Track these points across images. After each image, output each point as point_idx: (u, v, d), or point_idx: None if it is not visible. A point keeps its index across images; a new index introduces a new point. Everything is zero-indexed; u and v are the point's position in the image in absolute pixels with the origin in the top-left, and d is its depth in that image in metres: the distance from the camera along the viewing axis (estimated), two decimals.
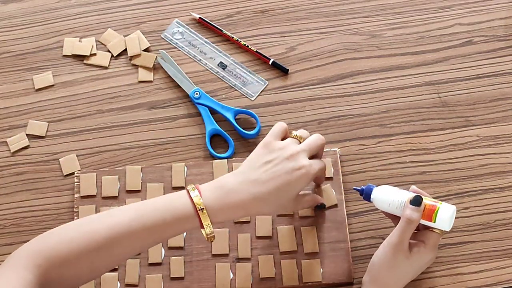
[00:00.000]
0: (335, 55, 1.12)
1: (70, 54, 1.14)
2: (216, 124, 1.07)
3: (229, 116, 1.07)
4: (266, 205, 0.88)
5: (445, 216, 0.90)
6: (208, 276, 0.99)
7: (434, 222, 0.90)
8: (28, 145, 1.08)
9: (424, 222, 0.91)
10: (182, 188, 1.03)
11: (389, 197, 0.93)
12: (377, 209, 1.00)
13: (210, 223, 0.86)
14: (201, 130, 1.08)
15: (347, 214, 1.01)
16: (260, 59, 1.12)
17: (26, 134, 1.09)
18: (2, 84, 1.12)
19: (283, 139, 0.93)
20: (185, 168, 1.05)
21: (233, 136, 1.06)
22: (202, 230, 0.87)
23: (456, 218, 1.00)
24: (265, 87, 1.10)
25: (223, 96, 1.10)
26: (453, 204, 0.98)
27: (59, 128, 1.09)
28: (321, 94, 1.09)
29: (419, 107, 1.08)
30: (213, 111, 1.08)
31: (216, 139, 1.07)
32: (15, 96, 1.11)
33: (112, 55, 1.13)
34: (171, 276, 0.99)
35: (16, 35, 1.16)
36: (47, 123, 1.09)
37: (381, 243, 0.99)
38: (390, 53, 1.11)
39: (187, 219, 0.86)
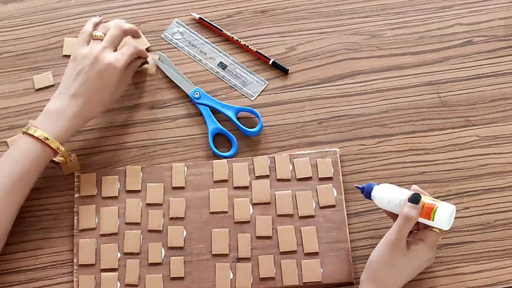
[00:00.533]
0: (335, 55, 1.12)
1: (70, 54, 1.13)
2: (218, 123, 1.07)
3: (231, 114, 1.07)
4: (95, 108, 1.00)
5: (444, 214, 0.89)
6: (208, 276, 0.99)
7: (433, 220, 0.90)
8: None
9: (422, 220, 0.91)
10: (182, 188, 1.03)
11: (388, 195, 0.93)
12: (377, 209, 1.01)
13: (59, 144, 0.97)
14: (201, 130, 1.08)
15: (347, 214, 1.01)
16: (260, 59, 1.12)
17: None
18: (2, 84, 1.12)
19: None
20: (185, 168, 1.05)
21: (236, 135, 1.06)
22: (57, 157, 0.99)
23: (456, 218, 1.00)
24: (265, 87, 1.10)
25: (223, 96, 1.10)
26: (453, 204, 0.98)
27: None
28: (321, 94, 1.09)
29: (419, 107, 1.08)
30: (214, 111, 1.08)
31: (219, 138, 1.07)
32: (15, 96, 1.11)
33: None
34: (171, 276, 0.99)
35: (16, 35, 1.16)
36: None
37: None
38: (390, 53, 1.11)
39: (41, 154, 0.97)
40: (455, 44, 1.11)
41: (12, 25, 1.16)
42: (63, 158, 1.01)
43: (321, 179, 1.03)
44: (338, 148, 1.05)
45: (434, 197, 1.01)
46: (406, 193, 0.92)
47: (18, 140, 0.99)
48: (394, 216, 0.94)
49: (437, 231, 0.91)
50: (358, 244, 1.00)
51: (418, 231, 0.93)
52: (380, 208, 0.97)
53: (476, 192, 1.02)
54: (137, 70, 1.09)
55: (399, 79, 1.10)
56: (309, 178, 1.03)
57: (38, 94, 1.11)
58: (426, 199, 0.91)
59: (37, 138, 0.96)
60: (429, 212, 0.90)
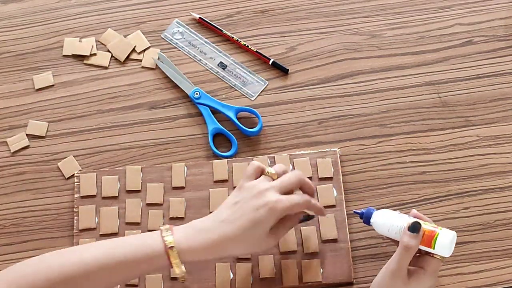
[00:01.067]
0: (335, 55, 1.12)
1: (70, 54, 1.14)
2: (218, 123, 1.07)
3: (231, 114, 1.07)
4: (236, 244, 0.88)
5: (445, 242, 0.87)
6: (208, 276, 0.99)
7: (433, 248, 0.87)
8: (28, 145, 1.08)
9: (422, 248, 0.88)
10: (182, 188, 1.04)
11: (388, 221, 0.91)
12: (377, 209, 1.01)
13: (179, 262, 0.87)
14: (201, 130, 1.08)
15: (347, 214, 1.01)
16: (260, 59, 1.12)
17: (26, 134, 1.09)
18: (2, 84, 1.12)
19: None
20: (185, 168, 1.05)
21: (236, 135, 1.06)
22: (172, 269, 0.88)
23: (456, 218, 1.00)
24: (265, 87, 1.11)
25: (223, 96, 1.10)
26: (453, 205, 0.99)
27: (59, 128, 1.09)
28: (321, 94, 1.09)
29: (419, 107, 1.08)
30: (214, 111, 1.08)
31: (219, 138, 1.07)
32: (15, 96, 1.12)
33: (113, 56, 1.13)
34: (171, 276, 0.99)
35: (16, 35, 1.16)
36: (47, 123, 1.09)
37: (381, 243, 0.99)
38: (390, 53, 1.11)
39: (156, 257, 0.87)
40: (455, 44, 1.11)
41: (12, 25, 1.16)
42: (179, 276, 0.89)
43: (321, 179, 1.03)
44: (338, 148, 1.05)
45: (434, 197, 1.02)
46: (406, 220, 0.89)
47: (151, 233, 0.90)
48: (394, 241, 0.92)
49: (438, 257, 0.89)
50: (358, 244, 1.00)
51: (419, 255, 0.91)
52: (380, 209, 0.97)
53: (476, 192, 1.02)
54: (295, 225, 0.96)
55: (399, 79, 1.10)
56: (309, 178, 1.03)
57: (38, 94, 1.11)
58: (426, 225, 0.89)
59: (163, 240, 0.88)
60: (429, 240, 0.87)
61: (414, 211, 0.92)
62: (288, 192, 0.92)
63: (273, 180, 0.92)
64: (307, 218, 0.96)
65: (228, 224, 0.89)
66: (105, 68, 1.12)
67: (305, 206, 0.92)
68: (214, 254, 0.89)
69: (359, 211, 0.95)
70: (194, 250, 0.88)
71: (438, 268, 0.90)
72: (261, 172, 0.93)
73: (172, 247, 0.86)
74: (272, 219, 0.89)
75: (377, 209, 0.93)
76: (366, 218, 0.93)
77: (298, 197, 0.91)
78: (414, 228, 0.88)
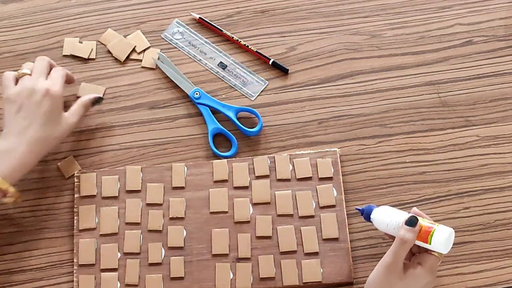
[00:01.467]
0: (335, 55, 1.12)
1: (69, 54, 1.14)
2: (218, 123, 1.07)
3: (231, 114, 1.07)
4: (43, 142, 0.96)
5: (441, 238, 0.87)
6: (208, 276, 0.99)
7: (430, 244, 0.88)
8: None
9: (420, 243, 0.89)
10: (182, 188, 1.04)
11: (387, 217, 0.91)
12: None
13: (8, 186, 0.93)
14: (201, 130, 1.08)
15: (347, 214, 1.01)
16: (260, 59, 1.12)
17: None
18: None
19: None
20: (185, 168, 1.05)
21: (236, 135, 1.06)
22: (7, 198, 0.95)
23: (456, 218, 1.00)
24: (265, 87, 1.11)
25: (223, 96, 1.10)
26: (453, 205, 0.99)
27: None
28: (321, 94, 1.09)
29: (419, 107, 1.08)
30: (214, 111, 1.08)
31: (219, 138, 1.07)
32: None
33: (113, 56, 1.13)
34: (171, 276, 0.99)
35: (16, 35, 1.16)
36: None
37: (381, 243, 0.99)
38: (390, 53, 1.11)
39: None
40: (455, 44, 1.11)
41: (12, 25, 1.16)
42: (13, 199, 0.96)
43: (321, 179, 1.03)
44: (338, 148, 1.05)
45: (434, 197, 1.02)
46: (405, 216, 0.90)
47: None
48: (393, 237, 0.92)
49: (436, 254, 0.89)
50: (358, 244, 1.00)
51: (418, 254, 0.91)
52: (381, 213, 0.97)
53: (476, 192, 1.02)
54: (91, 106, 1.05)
55: (399, 79, 1.10)
56: (309, 178, 1.03)
57: None
58: (424, 222, 0.89)
59: None
60: (426, 235, 0.88)
61: (414, 209, 0.92)
62: (47, 73, 1.00)
63: (30, 76, 0.99)
64: (97, 100, 1.05)
65: (26, 131, 0.94)
66: (105, 68, 1.12)
67: (66, 74, 1.01)
68: (33, 161, 0.96)
69: (360, 208, 0.95)
70: (13, 171, 0.94)
71: (436, 266, 0.90)
72: (16, 79, 1.00)
73: None
74: (58, 103, 0.97)
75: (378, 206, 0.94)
76: (366, 214, 0.94)
77: (57, 73, 1.00)
78: (411, 222, 0.88)
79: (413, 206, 1.01)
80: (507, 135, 1.05)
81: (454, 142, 1.05)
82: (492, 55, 1.10)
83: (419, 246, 0.90)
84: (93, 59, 1.13)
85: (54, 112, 0.98)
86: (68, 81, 1.04)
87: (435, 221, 1.00)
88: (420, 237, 0.88)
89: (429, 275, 0.89)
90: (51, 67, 1.03)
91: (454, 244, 0.99)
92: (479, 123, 1.06)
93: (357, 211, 0.97)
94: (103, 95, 1.10)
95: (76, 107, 1.02)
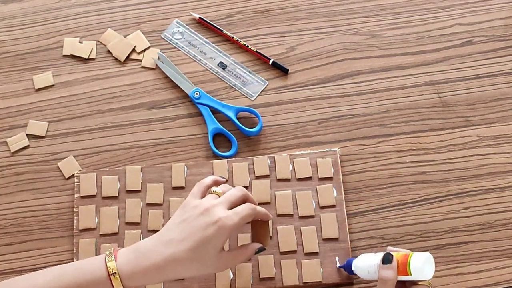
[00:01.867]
0: (335, 55, 1.12)
1: (69, 54, 1.14)
2: (218, 123, 1.07)
3: (231, 114, 1.07)
4: (183, 266, 0.84)
5: (418, 263, 0.84)
6: (208, 276, 0.99)
7: (411, 274, 0.85)
8: (28, 145, 1.08)
9: (402, 278, 0.86)
10: (182, 188, 1.04)
11: (366, 263, 0.89)
12: (377, 209, 1.01)
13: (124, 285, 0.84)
14: (201, 130, 1.08)
15: (347, 214, 1.01)
16: (260, 59, 1.12)
17: (26, 134, 1.09)
18: (2, 84, 1.12)
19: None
20: (185, 168, 1.05)
21: (236, 135, 1.06)
22: None
23: (456, 218, 1.00)
24: (265, 87, 1.11)
25: (223, 96, 1.10)
26: (453, 205, 0.99)
27: (59, 128, 1.09)
28: (321, 94, 1.09)
29: (419, 107, 1.08)
30: (214, 111, 1.08)
31: (219, 138, 1.07)
32: (15, 96, 1.12)
33: (112, 56, 1.13)
34: None
35: (16, 35, 1.16)
36: (47, 123, 1.09)
37: (381, 243, 0.99)
38: (390, 53, 1.11)
39: (102, 282, 0.84)
40: (455, 44, 1.11)
41: (12, 25, 1.16)
42: None
43: (321, 179, 1.03)
44: (338, 148, 1.05)
45: (434, 197, 1.02)
46: (380, 257, 0.88)
47: (99, 256, 0.87)
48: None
49: (424, 284, 0.86)
50: (358, 244, 1.00)
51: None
52: (379, 210, 0.97)
53: (476, 192, 1.02)
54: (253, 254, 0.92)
55: (399, 79, 1.10)
56: (309, 178, 1.03)
57: (38, 94, 1.11)
58: (398, 255, 0.86)
59: (106, 266, 0.84)
60: (404, 268, 0.85)
61: (389, 247, 0.90)
62: (233, 207, 0.88)
63: (219, 197, 0.89)
64: (260, 250, 0.91)
65: (175, 245, 0.84)
66: (105, 68, 1.12)
67: (252, 216, 0.88)
68: (160, 278, 0.85)
69: (342, 265, 0.95)
70: (138, 275, 0.84)
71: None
72: (206, 190, 0.91)
73: (114, 273, 0.83)
74: (222, 237, 0.85)
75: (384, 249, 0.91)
76: (348, 268, 0.93)
77: (243, 208, 0.87)
78: (386, 259, 0.85)
79: (413, 207, 1.01)
80: (507, 135, 1.05)
81: (454, 142, 1.05)
82: (492, 55, 1.10)
83: (404, 283, 0.88)
84: (93, 59, 1.13)
85: (214, 242, 0.85)
86: (264, 217, 0.92)
87: (435, 221, 1.00)
88: (400, 272, 0.85)
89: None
90: (244, 201, 0.90)
91: (454, 244, 0.99)
92: (479, 123, 1.06)
93: (340, 267, 0.95)
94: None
95: (234, 257, 0.89)
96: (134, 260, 0.84)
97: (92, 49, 1.13)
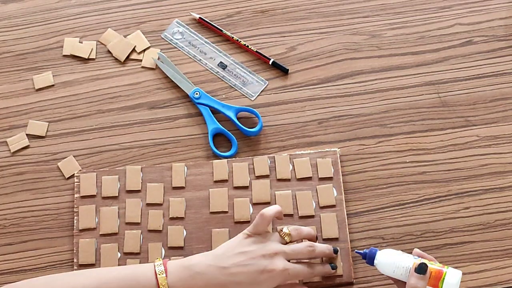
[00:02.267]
0: (335, 55, 1.12)
1: (69, 54, 1.14)
2: (218, 123, 1.07)
3: (231, 114, 1.07)
4: None
5: (452, 282, 0.85)
6: None
7: None
8: (28, 145, 1.08)
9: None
10: (182, 188, 1.03)
11: (393, 263, 0.88)
12: (377, 209, 1.01)
13: None
14: (201, 130, 1.08)
15: (347, 214, 1.01)
16: (260, 59, 1.12)
17: (26, 134, 1.09)
18: (2, 84, 1.12)
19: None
20: (185, 168, 1.05)
21: (236, 135, 1.06)
22: None
23: (456, 218, 1.00)
24: (265, 87, 1.10)
25: (223, 96, 1.10)
26: (453, 205, 0.99)
27: (59, 128, 1.09)
28: (321, 94, 1.09)
29: (419, 107, 1.08)
30: (214, 111, 1.08)
31: (219, 138, 1.07)
32: (15, 96, 1.11)
33: (112, 56, 1.13)
34: None
35: (16, 35, 1.16)
36: (47, 123, 1.09)
37: (381, 243, 0.99)
38: (390, 53, 1.11)
39: None
40: (455, 44, 1.11)
41: (12, 25, 1.16)
42: None
43: (321, 179, 1.03)
44: (338, 148, 1.05)
45: (434, 197, 1.01)
46: (412, 260, 0.88)
47: (146, 265, 0.88)
48: (396, 280, 0.90)
49: None
50: (358, 244, 1.00)
51: None
52: (379, 210, 0.97)
53: (476, 192, 1.02)
54: None
55: (399, 79, 1.10)
56: (309, 178, 1.03)
57: (38, 94, 1.11)
58: (432, 265, 0.87)
59: (157, 281, 0.85)
60: (437, 281, 0.86)
61: (416, 250, 0.90)
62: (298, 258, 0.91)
63: (286, 242, 0.91)
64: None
65: (227, 275, 0.86)
66: (105, 68, 1.12)
67: (307, 276, 0.91)
68: None
69: (361, 252, 0.92)
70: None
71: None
72: (273, 217, 0.92)
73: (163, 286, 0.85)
74: (272, 285, 0.88)
75: (381, 248, 0.91)
76: (369, 259, 0.91)
77: (302, 267, 0.90)
78: (421, 269, 0.86)
79: (413, 207, 1.01)
80: (507, 135, 1.05)
81: (454, 142, 1.05)
82: (492, 55, 1.10)
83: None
84: (93, 59, 1.13)
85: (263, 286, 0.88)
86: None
87: (435, 221, 1.00)
88: (430, 283, 0.86)
89: None
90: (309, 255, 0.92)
91: (454, 244, 0.99)
92: (479, 123, 1.06)
93: (358, 253, 0.93)
94: None
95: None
96: (188, 279, 0.85)
97: (92, 49, 1.13)
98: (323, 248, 0.93)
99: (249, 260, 0.87)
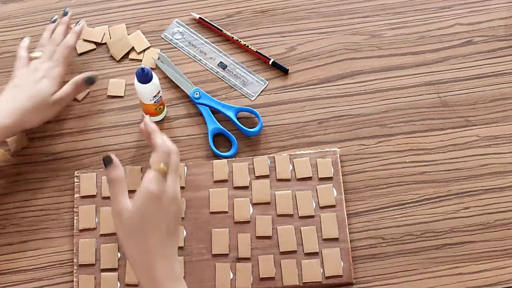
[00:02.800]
0: (335, 55, 1.12)
1: (81, 39, 1.13)
2: (218, 123, 1.07)
3: (231, 114, 1.07)
4: (28, 117, 1.00)
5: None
6: (208, 276, 0.99)
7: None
8: (28, 145, 1.08)
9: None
10: (182, 188, 1.03)
11: None
12: (377, 209, 1.01)
13: None
14: (201, 130, 1.08)
15: (347, 214, 1.01)
16: (260, 59, 1.12)
17: (27, 134, 1.09)
18: (2, 84, 1.12)
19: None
20: (185, 168, 1.05)
21: (236, 135, 1.06)
22: None
23: (456, 218, 1.00)
24: (265, 87, 1.11)
25: (223, 96, 1.10)
26: (453, 205, 0.99)
27: (59, 128, 1.09)
28: (321, 94, 1.09)
29: (419, 107, 1.08)
30: (214, 111, 1.08)
31: (219, 138, 1.07)
32: None
33: (112, 56, 1.13)
34: None
35: (16, 35, 1.16)
36: (48, 122, 1.09)
37: (381, 243, 1.00)
38: (390, 53, 1.11)
39: None
40: (455, 44, 1.11)
41: (12, 25, 1.16)
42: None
43: (321, 179, 1.03)
44: (338, 148, 1.05)
45: (434, 197, 1.02)
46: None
47: None
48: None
49: (156, 169, 0.83)
50: (358, 244, 1.00)
51: None
52: (379, 210, 0.97)
53: (476, 192, 1.02)
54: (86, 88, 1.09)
55: (399, 79, 1.10)
56: (309, 178, 1.03)
57: None
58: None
59: None
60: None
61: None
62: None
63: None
64: (91, 80, 1.06)
65: (15, 102, 1.00)
66: (105, 68, 1.13)
67: (69, 51, 1.07)
68: (12, 132, 1.01)
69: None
70: None
71: (153, 178, 0.83)
72: (27, 62, 1.06)
73: None
74: (52, 85, 1.03)
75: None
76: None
77: (59, 51, 1.06)
78: (106, 162, 0.86)
79: (413, 207, 1.01)
80: (507, 135, 1.05)
81: (454, 142, 1.05)
82: (492, 55, 1.10)
83: None
84: (93, 57, 1.13)
85: (44, 95, 1.02)
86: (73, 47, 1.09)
87: (435, 221, 1.00)
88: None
89: (146, 190, 0.83)
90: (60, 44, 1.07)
91: (454, 244, 0.99)
92: (479, 123, 1.06)
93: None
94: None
95: (66, 87, 1.05)
96: None
97: (104, 34, 1.13)
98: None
99: (23, 83, 1.03)
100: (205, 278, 0.99)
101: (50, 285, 1.00)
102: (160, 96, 1.02)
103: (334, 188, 1.02)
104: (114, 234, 1.01)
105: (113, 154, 0.86)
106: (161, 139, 0.88)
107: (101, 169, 1.05)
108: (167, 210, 0.84)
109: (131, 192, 1.03)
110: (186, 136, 1.08)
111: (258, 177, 1.04)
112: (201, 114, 1.09)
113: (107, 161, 0.86)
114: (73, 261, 1.01)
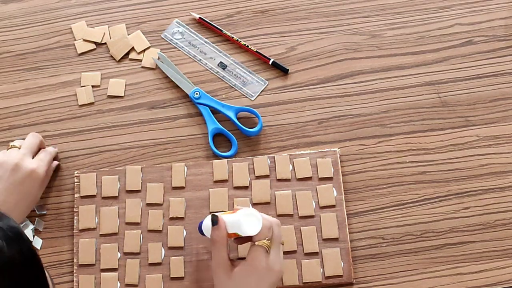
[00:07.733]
0: (335, 55, 1.12)
1: (81, 39, 1.13)
2: (218, 123, 1.07)
3: (231, 114, 1.07)
4: (14, 216, 0.87)
5: (241, 220, 0.87)
6: (208, 276, 0.99)
7: (232, 231, 0.88)
8: None
9: (235, 232, 0.89)
10: (182, 188, 1.03)
11: (207, 224, 0.92)
12: (377, 209, 1.01)
13: None
14: (201, 130, 1.08)
15: (347, 214, 1.01)
16: (260, 59, 1.12)
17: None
18: (2, 84, 1.12)
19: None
20: (185, 168, 1.05)
21: (236, 135, 1.06)
22: None
23: (456, 218, 1.00)
24: (265, 87, 1.11)
25: (223, 96, 1.10)
26: (453, 205, 0.99)
27: (59, 128, 1.09)
28: (321, 94, 1.09)
29: (419, 107, 1.08)
30: (214, 111, 1.08)
31: (218, 138, 1.07)
32: (15, 96, 1.11)
33: (111, 56, 1.13)
34: (171, 276, 0.99)
35: (16, 35, 1.16)
36: (48, 123, 1.09)
37: (381, 243, 1.00)
38: (390, 53, 1.11)
39: None
40: (455, 44, 1.11)
41: (12, 25, 1.16)
42: None
43: (321, 179, 1.03)
44: (338, 148, 1.05)
45: (434, 197, 1.01)
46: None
47: None
48: (239, 239, 0.93)
49: (260, 244, 0.88)
50: (358, 244, 1.00)
51: None
52: (379, 210, 0.97)
53: (476, 192, 1.02)
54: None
55: (399, 79, 1.10)
56: (309, 178, 1.03)
57: (38, 94, 1.11)
58: (227, 214, 0.89)
59: None
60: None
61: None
62: (35, 151, 1.01)
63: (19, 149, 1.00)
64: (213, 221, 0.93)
65: (3, 203, 0.93)
66: (106, 68, 1.13)
67: (53, 156, 1.03)
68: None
69: (199, 226, 0.94)
70: None
71: (259, 256, 0.87)
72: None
73: None
74: (41, 183, 0.99)
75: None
76: (200, 229, 0.94)
77: (46, 154, 1.01)
78: (212, 221, 0.89)
79: (413, 207, 1.01)
80: (507, 135, 1.05)
81: (454, 142, 1.05)
82: (492, 55, 1.10)
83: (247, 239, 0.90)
84: (92, 58, 1.13)
85: (34, 190, 0.99)
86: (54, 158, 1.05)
87: (435, 221, 1.00)
88: (232, 232, 0.89)
89: (251, 267, 0.87)
90: (40, 147, 1.03)
91: (454, 244, 0.99)
92: (479, 123, 1.06)
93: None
94: None
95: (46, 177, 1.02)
96: None
97: (104, 34, 1.13)
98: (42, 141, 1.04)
99: (6, 181, 0.96)
100: (205, 278, 0.99)
101: None
102: None
103: (334, 188, 1.02)
104: (114, 234, 1.02)
105: (220, 216, 0.89)
106: (261, 216, 0.89)
107: (101, 169, 1.05)
108: (266, 280, 0.88)
109: (131, 192, 1.04)
110: (186, 136, 1.08)
111: (258, 177, 1.04)
112: (201, 114, 1.09)
113: (214, 221, 0.89)
114: (73, 261, 1.01)
